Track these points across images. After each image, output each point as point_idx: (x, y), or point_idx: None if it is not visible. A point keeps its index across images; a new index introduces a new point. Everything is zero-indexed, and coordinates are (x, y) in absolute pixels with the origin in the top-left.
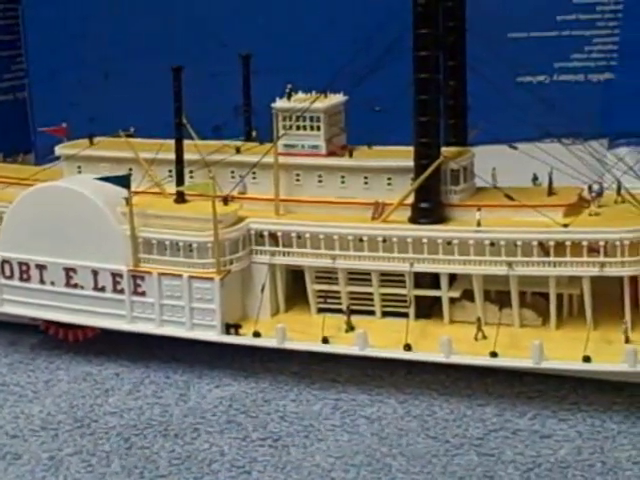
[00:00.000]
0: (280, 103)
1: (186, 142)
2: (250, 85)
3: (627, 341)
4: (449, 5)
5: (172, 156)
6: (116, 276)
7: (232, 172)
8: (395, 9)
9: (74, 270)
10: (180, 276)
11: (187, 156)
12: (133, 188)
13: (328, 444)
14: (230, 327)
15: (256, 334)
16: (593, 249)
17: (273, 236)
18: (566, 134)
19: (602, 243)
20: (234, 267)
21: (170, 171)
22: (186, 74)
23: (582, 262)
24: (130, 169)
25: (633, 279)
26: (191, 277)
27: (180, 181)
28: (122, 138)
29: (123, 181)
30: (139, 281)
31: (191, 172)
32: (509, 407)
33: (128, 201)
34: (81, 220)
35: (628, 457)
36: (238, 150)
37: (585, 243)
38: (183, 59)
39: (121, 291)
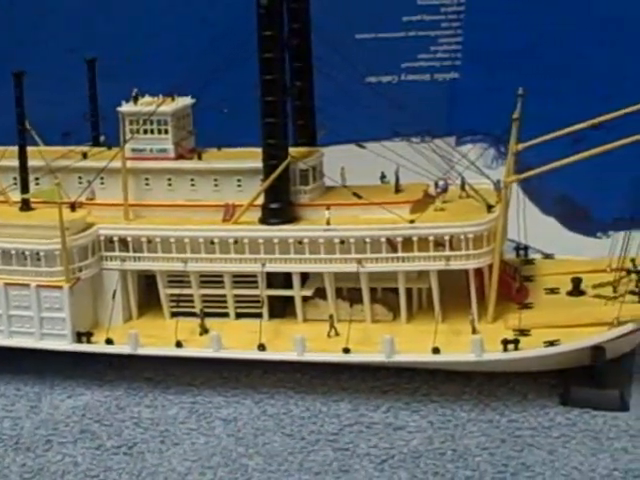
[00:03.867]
0: (126, 107)
1: (31, 148)
2: (97, 90)
3: (474, 332)
4: (294, 7)
5: (16, 163)
6: None
7: (79, 178)
8: (243, 10)
9: None
10: (27, 286)
11: (32, 162)
12: None
13: (184, 448)
14: (81, 335)
15: (108, 341)
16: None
17: (123, 241)
18: (414, 133)
19: (447, 237)
20: (84, 274)
21: (15, 178)
22: (34, 80)
23: (429, 257)
24: None
25: (478, 272)
26: (39, 286)
27: (25, 188)
28: None
29: None
30: None
31: (37, 179)
32: (363, 401)
33: None
34: None
35: (477, 444)
36: (85, 155)
37: (431, 238)
38: (31, 64)
39: None
